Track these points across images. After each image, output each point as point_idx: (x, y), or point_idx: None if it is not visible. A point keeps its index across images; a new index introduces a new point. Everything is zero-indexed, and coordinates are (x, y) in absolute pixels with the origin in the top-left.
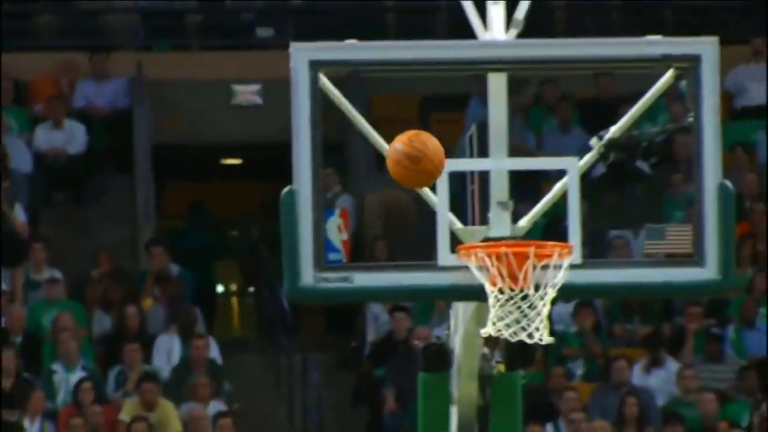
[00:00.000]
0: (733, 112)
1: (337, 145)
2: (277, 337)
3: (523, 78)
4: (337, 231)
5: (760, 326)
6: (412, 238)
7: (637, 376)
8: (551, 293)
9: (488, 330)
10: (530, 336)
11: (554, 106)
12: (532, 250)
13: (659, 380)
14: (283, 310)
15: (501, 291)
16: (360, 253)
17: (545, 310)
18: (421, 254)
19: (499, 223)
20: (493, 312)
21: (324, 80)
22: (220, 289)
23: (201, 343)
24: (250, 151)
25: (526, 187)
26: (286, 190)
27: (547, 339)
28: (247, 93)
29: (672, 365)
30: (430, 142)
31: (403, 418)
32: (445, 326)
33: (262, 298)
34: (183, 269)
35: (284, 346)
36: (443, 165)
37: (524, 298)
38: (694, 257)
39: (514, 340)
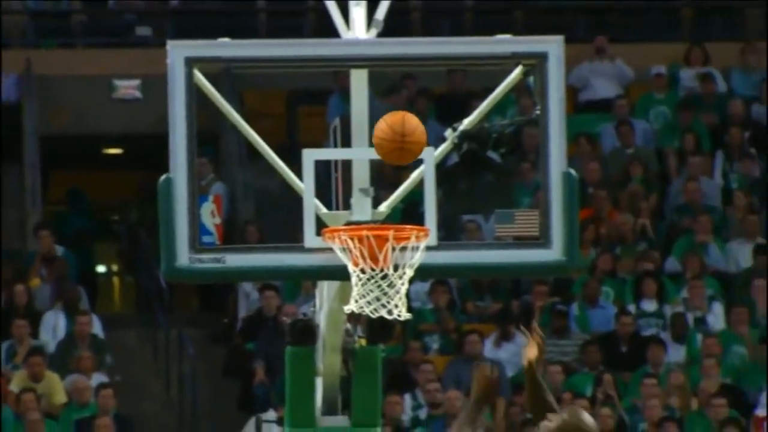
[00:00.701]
0: (577, 106)
1: (210, 136)
2: (155, 314)
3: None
4: (210, 215)
5: (602, 304)
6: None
7: (489, 349)
8: (409, 273)
9: (351, 307)
10: (390, 312)
11: (413, 100)
12: (391, 233)
13: (509, 353)
14: (160, 288)
15: (363, 271)
16: (232, 237)
17: (403, 289)
18: (289, 237)
19: (361, 208)
20: (355, 290)
21: (198, 76)
22: (101, 269)
23: (84, 319)
24: (130, 141)
25: (387, 175)
26: (163, 177)
27: (405, 315)
28: (128, 88)
29: (520, 339)
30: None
31: (271, 388)
32: (311, 304)
33: (141, 278)
34: (67, 251)
35: (161, 322)
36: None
37: (384, 277)
38: (541, 240)
39: (374, 316)
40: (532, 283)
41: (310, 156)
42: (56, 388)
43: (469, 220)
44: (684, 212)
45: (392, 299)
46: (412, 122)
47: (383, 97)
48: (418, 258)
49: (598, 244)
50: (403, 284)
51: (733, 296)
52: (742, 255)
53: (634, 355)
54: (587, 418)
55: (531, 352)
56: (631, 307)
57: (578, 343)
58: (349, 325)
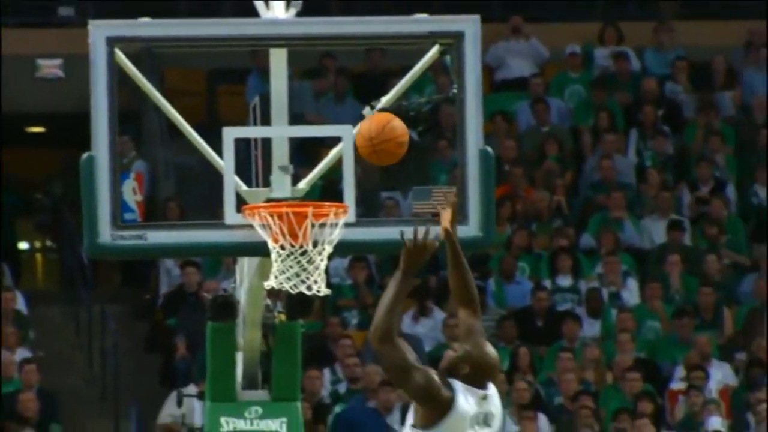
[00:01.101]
0: (493, 85)
1: (132, 115)
2: (78, 290)
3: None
4: (132, 193)
5: (518, 279)
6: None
7: (407, 324)
8: (328, 249)
9: (271, 283)
10: (309, 288)
11: (334, 81)
12: (310, 210)
13: (426, 328)
14: (82, 265)
15: (282, 247)
16: (154, 214)
17: (322, 265)
18: (210, 214)
19: (281, 185)
20: (275, 267)
21: (120, 55)
22: (24, 246)
23: (8, 295)
24: (53, 120)
25: (306, 153)
26: (85, 155)
27: (324, 291)
28: (50, 67)
29: (438, 314)
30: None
31: (192, 363)
32: (232, 280)
33: (64, 254)
34: None
35: (84, 298)
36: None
37: (303, 253)
38: (458, 216)
39: (294, 292)
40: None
41: (230, 134)
42: None
43: (388, 197)
44: (598, 189)
45: (311, 275)
46: (385, 126)
47: (308, 79)
48: (337, 234)
49: (514, 220)
50: (322, 260)
51: (647, 272)
52: (656, 231)
53: (549, 329)
54: (490, 350)
55: (446, 217)
56: (547, 283)
57: (495, 318)
58: (269, 301)
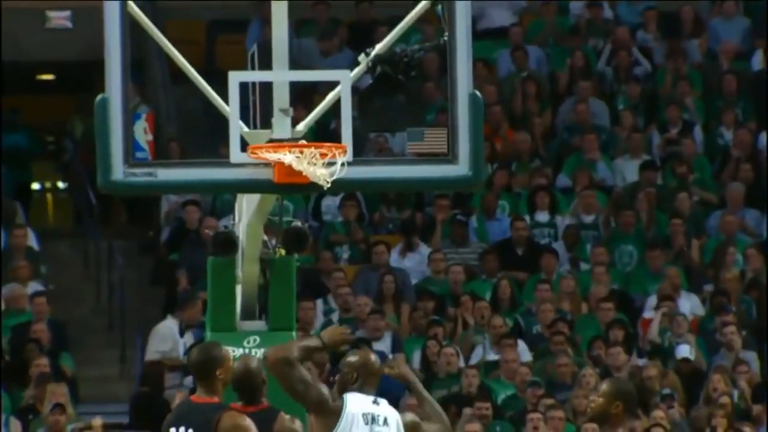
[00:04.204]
0: (475, 34)
1: (136, 63)
2: (86, 227)
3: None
4: (143, 132)
5: (499, 216)
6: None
7: (395, 258)
8: (326, 186)
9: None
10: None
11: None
12: (311, 150)
13: (413, 262)
14: (91, 203)
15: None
16: (157, 154)
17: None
18: (209, 154)
19: (282, 126)
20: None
21: (131, 5)
22: (36, 186)
23: (20, 232)
24: (61, 67)
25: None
26: (99, 97)
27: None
28: (59, 18)
29: (424, 249)
30: None
31: (194, 295)
32: (231, 217)
33: (74, 193)
34: (5, 168)
35: (92, 234)
36: None
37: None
38: (449, 156)
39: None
40: (434, 197)
41: (235, 78)
42: None
43: (379, 137)
44: (574, 131)
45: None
46: None
47: (318, 41)
48: (337, 173)
49: (495, 160)
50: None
51: (619, 208)
52: (628, 171)
53: (528, 260)
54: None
55: (400, 363)
56: (526, 218)
57: (477, 251)
58: (266, 237)
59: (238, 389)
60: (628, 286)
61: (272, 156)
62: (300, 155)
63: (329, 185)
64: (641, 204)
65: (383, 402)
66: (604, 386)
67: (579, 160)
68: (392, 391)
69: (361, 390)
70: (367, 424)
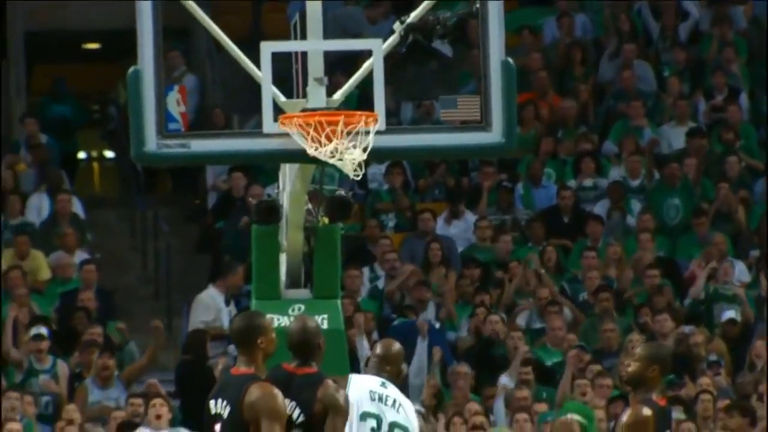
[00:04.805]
0: (521, 1)
1: (182, 32)
2: (133, 195)
3: None
4: (176, 104)
5: (545, 183)
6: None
7: (440, 226)
8: (361, 156)
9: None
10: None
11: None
12: (342, 119)
13: (459, 229)
14: (137, 172)
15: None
16: (203, 123)
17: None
18: (254, 124)
19: (316, 96)
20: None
21: None
22: (82, 155)
23: (66, 197)
24: (107, 36)
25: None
26: (131, 69)
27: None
28: None
29: (470, 216)
30: None
31: (239, 264)
32: (276, 185)
33: (120, 162)
34: (51, 138)
35: (138, 202)
36: None
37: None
38: (482, 123)
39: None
40: (480, 164)
41: (267, 48)
42: (41, 264)
43: (417, 106)
44: (620, 98)
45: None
46: None
47: (364, 8)
48: (368, 142)
49: (540, 127)
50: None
51: (665, 175)
52: (674, 137)
53: (575, 227)
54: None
55: None
56: (572, 185)
57: (524, 218)
58: (310, 205)
59: (291, 347)
60: (674, 252)
61: (292, 129)
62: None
63: (359, 174)
64: (688, 168)
65: (392, 386)
66: (640, 350)
67: (625, 127)
68: None
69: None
70: (373, 401)
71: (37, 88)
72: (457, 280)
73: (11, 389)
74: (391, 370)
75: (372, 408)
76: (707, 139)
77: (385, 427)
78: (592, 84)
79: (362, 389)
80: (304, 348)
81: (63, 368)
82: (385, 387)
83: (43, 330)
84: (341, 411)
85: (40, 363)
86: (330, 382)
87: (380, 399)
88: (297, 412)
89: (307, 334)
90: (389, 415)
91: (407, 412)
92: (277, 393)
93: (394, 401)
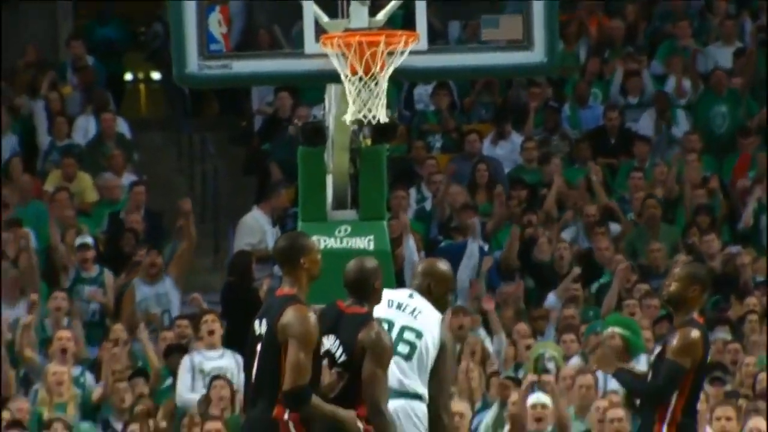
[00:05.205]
0: None
1: None
2: (179, 118)
3: None
4: (218, 25)
5: (592, 104)
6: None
7: (487, 147)
8: (388, 73)
9: (347, 118)
10: (374, 117)
11: None
12: (382, 38)
13: (505, 150)
14: (183, 94)
15: (356, 74)
16: (248, 43)
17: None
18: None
19: (358, 16)
20: (349, 96)
21: None
22: (129, 77)
23: (111, 117)
24: None
25: None
26: None
27: (383, 118)
28: None
29: (516, 138)
30: None
31: (286, 185)
32: (322, 106)
33: (166, 85)
34: (97, 60)
35: (185, 125)
36: None
37: (375, 80)
38: (524, 43)
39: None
40: (526, 84)
41: None
42: (88, 186)
43: (463, 26)
44: (667, 18)
45: (380, 100)
46: None
47: None
48: (406, 60)
49: (588, 47)
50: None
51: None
52: (721, 57)
53: (621, 147)
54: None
55: None
56: (619, 104)
57: (571, 138)
58: (355, 126)
59: (347, 285)
60: (721, 172)
61: (332, 49)
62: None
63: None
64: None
65: (420, 299)
66: (680, 270)
67: (672, 47)
68: None
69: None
70: (390, 307)
71: (83, 11)
72: (504, 201)
73: (58, 290)
74: (435, 288)
75: (385, 314)
76: (753, 59)
77: (396, 330)
78: (639, 4)
79: (385, 299)
80: (358, 287)
81: (109, 278)
82: (412, 297)
83: (89, 239)
84: (380, 355)
85: (87, 272)
86: (375, 324)
87: (398, 306)
88: (340, 350)
89: (364, 274)
90: (401, 320)
91: (426, 319)
92: (310, 318)
93: (414, 309)
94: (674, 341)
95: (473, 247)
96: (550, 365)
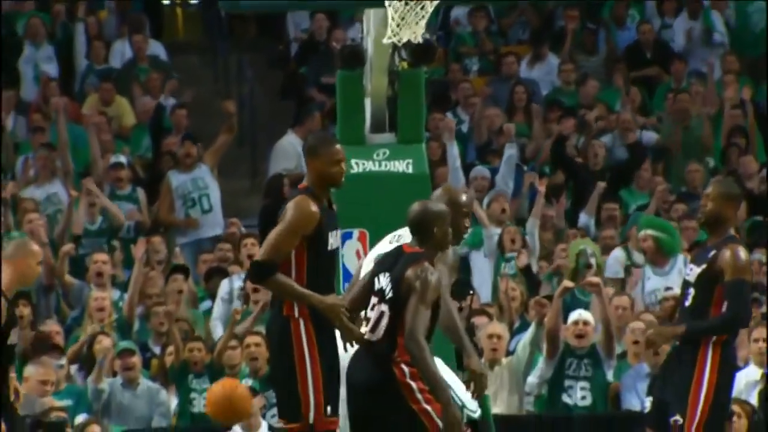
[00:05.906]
0: None
1: None
2: (216, 41)
3: None
4: None
5: (629, 25)
6: None
7: (524, 69)
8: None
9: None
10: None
11: None
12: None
13: (541, 72)
14: (220, 17)
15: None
16: None
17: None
18: None
19: None
20: (391, 19)
21: None
22: (166, 0)
23: (139, 38)
24: None
25: None
26: None
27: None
28: None
29: (553, 60)
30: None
31: (322, 108)
32: (360, 29)
33: (203, 8)
34: None
35: (221, 48)
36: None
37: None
38: None
39: (415, 42)
40: (563, 7)
41: None
42: (126, 110)
43: None
44: None
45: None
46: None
47: None
48: None
49: None
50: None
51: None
52: None
53: (658, 63)
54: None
55: None
56: (656, 23)
57: (607, 59)
58: (393, 50)
59: (409, 225)
60: (757, 91)
61: None
62: None
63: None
64: None
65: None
66: (712, 189)
67: None
68: None
69: None
70: (391, 243)
71: None
72: (542, 121)
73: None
74: (453, 217)
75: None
76: None
77: None
78: None
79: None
80: (417, 230)
81: (143, 195)
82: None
83: (122, 158)
84: (423, 292)
85: (121, 190)
86: (425, 265)
87: (398, 240)
88: (389, 287)
89: (425, 216)
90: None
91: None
92: (307, 208)
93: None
94: (727, 260)
95: (510, 152)
96: (592, 260)
